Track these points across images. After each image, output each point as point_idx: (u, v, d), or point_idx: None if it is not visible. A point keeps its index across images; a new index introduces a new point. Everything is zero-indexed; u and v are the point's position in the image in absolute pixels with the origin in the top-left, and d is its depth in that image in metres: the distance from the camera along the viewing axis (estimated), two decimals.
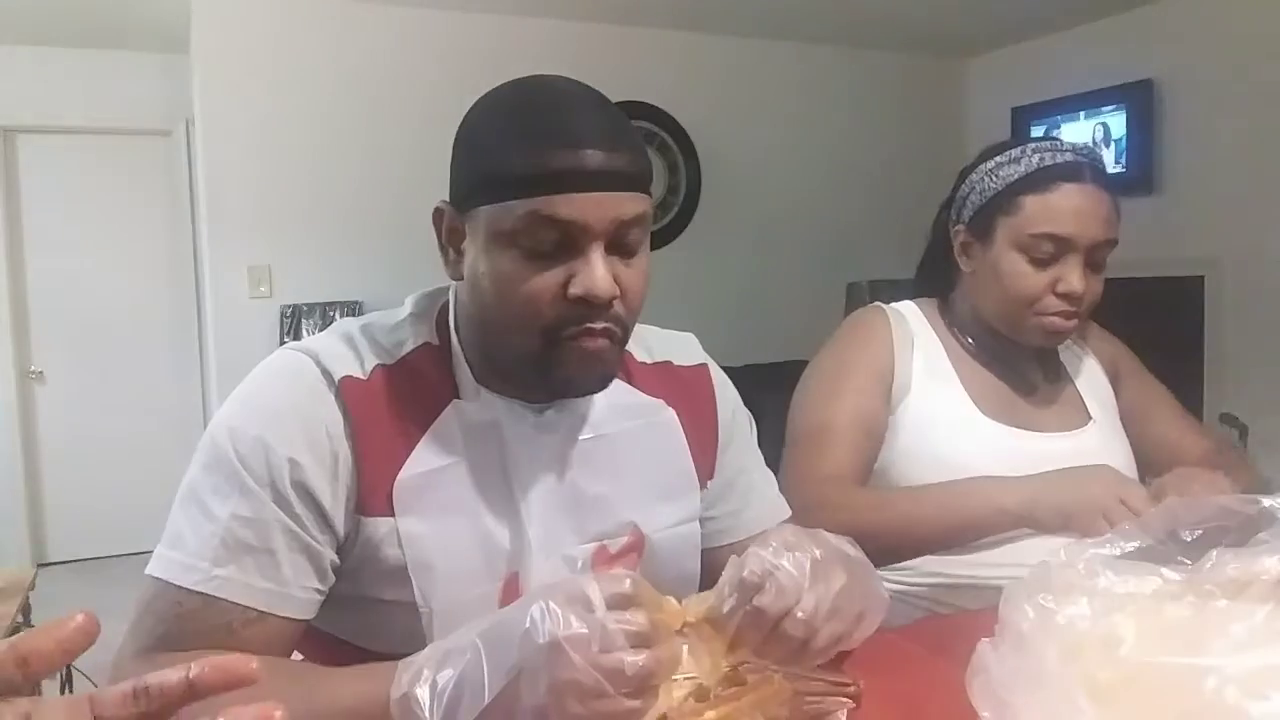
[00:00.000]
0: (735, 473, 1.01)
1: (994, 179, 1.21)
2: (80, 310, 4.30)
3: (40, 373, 4.31)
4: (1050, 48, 4.27)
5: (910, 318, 1.29)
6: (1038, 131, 4.24)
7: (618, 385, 0.91)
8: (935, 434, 1.20)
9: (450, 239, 0.85)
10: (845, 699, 0.73)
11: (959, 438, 1.19)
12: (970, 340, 1.28)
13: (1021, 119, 4.33)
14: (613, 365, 0.84)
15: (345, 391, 0.81)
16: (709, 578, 0.92)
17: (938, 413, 1.21)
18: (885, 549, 1.05)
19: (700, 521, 0.97)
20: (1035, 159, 1.18)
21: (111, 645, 0.77)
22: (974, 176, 1.24)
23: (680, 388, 0.98)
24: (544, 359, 0.81)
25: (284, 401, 0.81)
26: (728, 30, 4.13)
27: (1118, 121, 3.91)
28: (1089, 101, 4.01)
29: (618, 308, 0.80)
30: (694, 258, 4.18)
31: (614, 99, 0.87)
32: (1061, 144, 1.19)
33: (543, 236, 0.77)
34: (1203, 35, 3.62)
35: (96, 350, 4.33)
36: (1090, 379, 1.32)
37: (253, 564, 0.77)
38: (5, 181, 4.18)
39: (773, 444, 1.24)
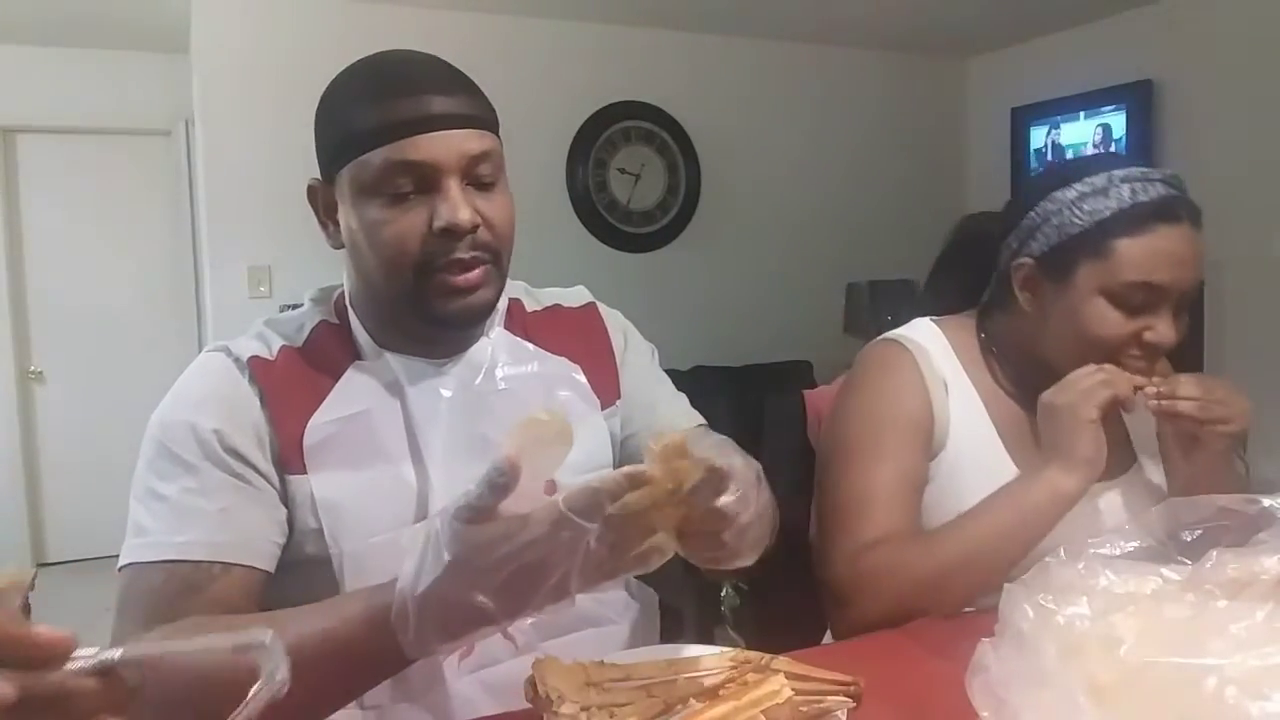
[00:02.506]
0: (634, 388, 1.05)
1: (1077, 213, 1.05)
2: (80, 310, 4.30)
3: (40, 373, 4.31)
4: (1050, 48, 4.28)
5: (935, 354, 1.15)
6: (1038, 132, 4.25)
7: (517, 341, 0.98)
8: (963, 486, 1.09)
9: (327, 213, 0.92)
10: (845, 699, 0.73)
11: (986, 492, 1.07)
12: (1009, 377, 1.15)
13: (1021, 119, 4.34)
14: (489, 293, 0.90)
15: (254, 369, 0.89)
16: None
17: (970, 464, 1.11)
18: (958, 592, 0.98)
19: (621, 444, 1.03)
20: (1126, 192, 1.03)
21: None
22: (1048, 206, 1.07)
23: (573, 326, 1.05)
24: (419, 296, 0.87)
25: (202, 388, 0.89)
26: (728, 30, 4.13)
27: (1118, 121, 3.91)
28: (1089, 102, 4.01)
29: (484, 235, 0.87)
30: (694, 258, 4.18)
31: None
32: (1151, 172, 1.05)
33: (401, 180, 0.84)
34: (1203, 35, 3.62)
35: (96, 350, 4.33)
36: (1139, 411, 1.18)
37: (209, 523, 0.82)
38: (5, 181, 4.19)
39: (774, 444, 1.24)
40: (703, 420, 1.08)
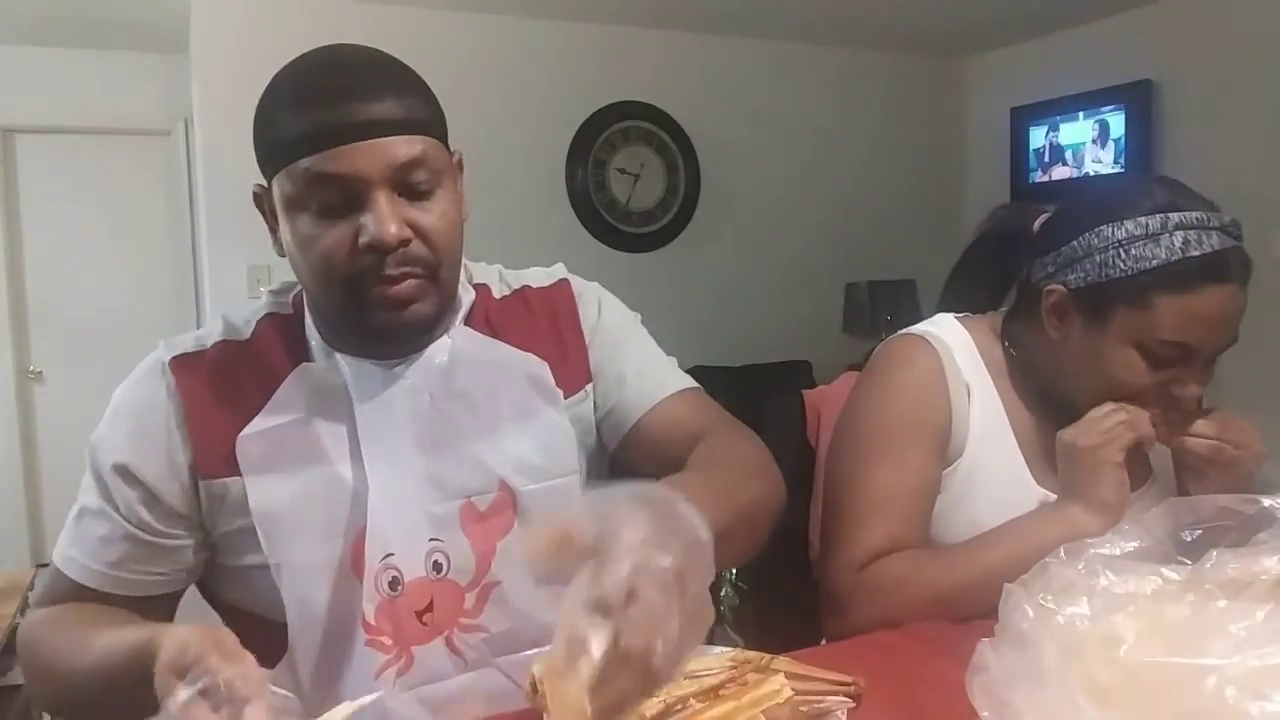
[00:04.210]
0: (606, 362, 1.00)
1: (1123, 256, 0.97)
2: (80, 310, 4.30)
3: (39, 373, 4.31)
4: (1050, 48, 4.28)
5: (960, 354, 1.10)
6: (1037, 132, 4.25)
7: (479, 339, 0.93)
8: (977, 500, 1.06)
9: (271, 218, 0.88)
10: (845, 699, 0.73)
11: (1003, 507, 1.04)
12: (1032, 389, 1.11)
13: (1021, 119, 4.34)
14: (427, 307, 0.86)
15: (175, 369, 0.89)
16: (630, 456, 0.98)
17: (988, 475, 1.07)
18: (959, 613, 0.95)
19: (599, 423, 1.00)
20: (1178, 241, 0.95)
21: None
22: (1094, 240, 1.00)
23: (541, 309, 0.99)
24: (354, 311, 0.84)
25: (122, 399, 0.91)
26: (728, 30, 4.13)
27: (1117, 121, 3.91)
28: (1088, 101, 4.01)
29: (418, 248, 0.82)
30: (693, 258, 4.18)
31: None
32: (1207, 219, 0.97)
33: (327, 194, 0.80)
34: (1203, 35, 3.62)
35: (96, 350, 4.32)
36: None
37: (89, 548, 0.87)
38: (5, 181, 4.18)
39: (773, 444, 1.23)
40: (692, 384, 1.02)
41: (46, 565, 0.94)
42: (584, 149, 3.96)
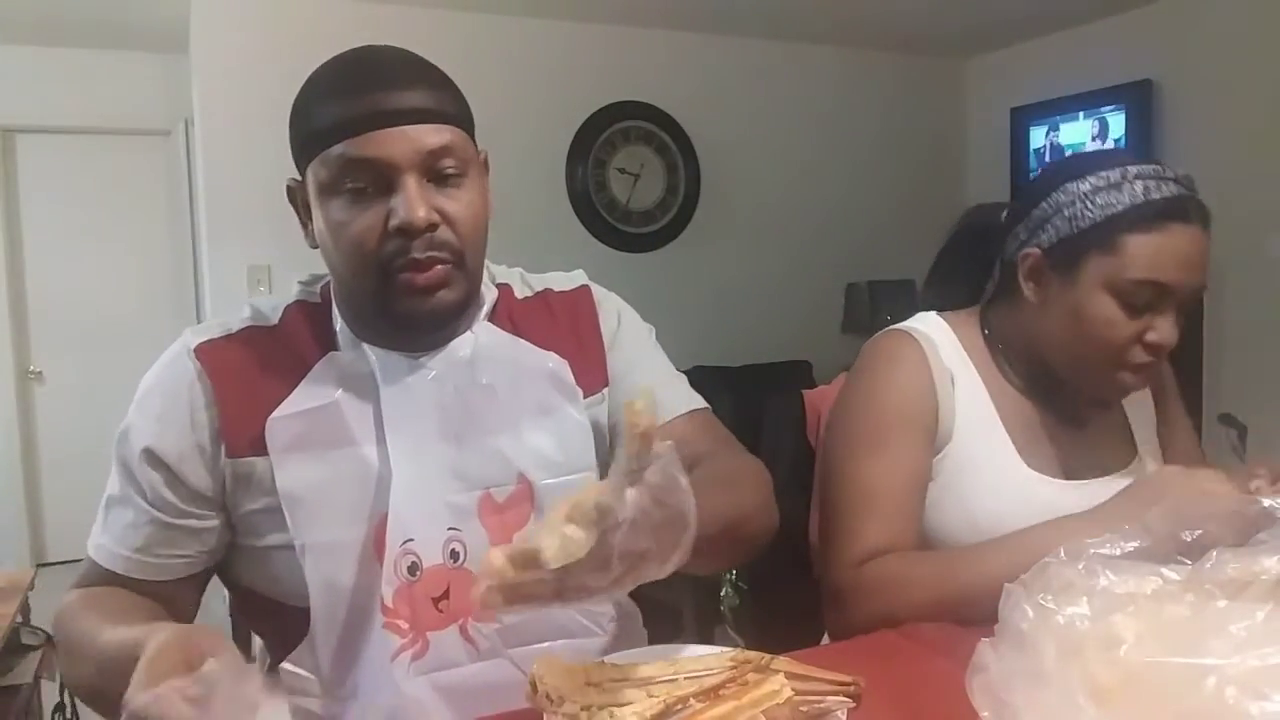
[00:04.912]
0: (624, 372, 1.02)
1: (1089, 206, 1.03)
2: (80, 310, 4.30)
3: (40, 373, 4.31)
4: (1050, 48, 4.28)
5: (943, 346, 1.13)
6: (1038, 132, 4.25)
7: (502, 336, 0.95)
8: (969, 486, 1.08)
9: (305, 212, 0.92)
10: (845, 699, 0.73)
11: (994, 492, 1.07)
12: (1016, 372, 1.14)
13: (1021, 119, 4.34)
14: (453, 294, 0.88)
15: (200, 354, 0.91)
16: None
17: (977, 463, 1.09)
18: (969, 611, 0.91)
19: (612, 429, 1.01)
20: (1140, 188, 1.01)
21: None
22: (1060, 198, 1.06)
23: (562, 311, 1.02)
24: (384, 297, 0.86)
25: (149, 384, 0.93)
26: (727, 30, 4.13)
27: (1117, 121, 3.91)
28: (1088, 101, 4.01)
29: (445, 234, 0.86)
30: (693, 258, 4.18)
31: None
32: (1164, 170, 1.04)
33: (359, 178, 0.84)
34: (1203, 35, 3.62)
35: (96, 350, 4.33)
36: (1139, 401, 1.20)
37: (116, 534, 0.91)
38: (5, 181, 4.19)
39: (773, 444, 1.23)
40: (703, 404, 1.05)
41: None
42: (584, 149, 3.96)
